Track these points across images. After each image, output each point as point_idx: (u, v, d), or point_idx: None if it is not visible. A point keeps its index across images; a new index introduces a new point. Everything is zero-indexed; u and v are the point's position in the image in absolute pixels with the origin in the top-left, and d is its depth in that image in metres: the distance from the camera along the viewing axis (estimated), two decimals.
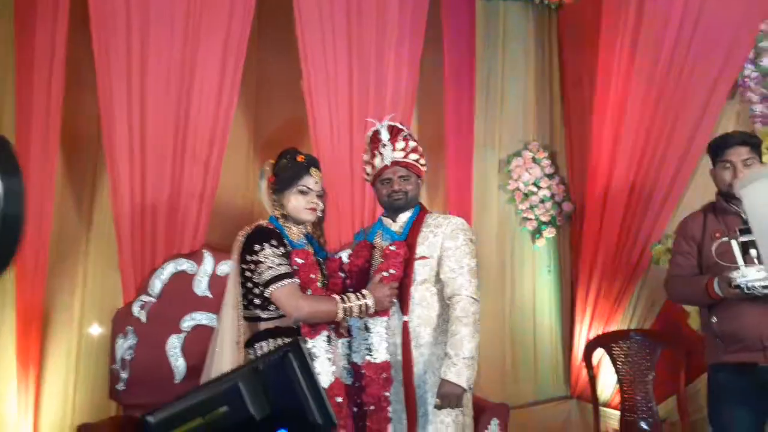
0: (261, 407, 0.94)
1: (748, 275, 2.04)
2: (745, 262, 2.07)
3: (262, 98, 3.34)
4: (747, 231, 2.09)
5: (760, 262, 2.01)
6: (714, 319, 2.29)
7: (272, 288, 1.91)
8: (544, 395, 3.79)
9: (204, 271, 2.89)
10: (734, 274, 2.09)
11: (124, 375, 2.75)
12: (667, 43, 3.24)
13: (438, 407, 2.02)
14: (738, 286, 2.08)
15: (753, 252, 2.05)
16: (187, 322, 2.84)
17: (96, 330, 2.91)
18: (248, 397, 0.94)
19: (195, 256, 2.89)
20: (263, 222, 2.06)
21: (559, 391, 3.84)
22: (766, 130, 2.96)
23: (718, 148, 2.36)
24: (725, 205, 2.36)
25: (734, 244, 2.08)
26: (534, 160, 3.93)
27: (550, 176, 3.95)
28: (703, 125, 3.16)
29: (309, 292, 1.96)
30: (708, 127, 3.14)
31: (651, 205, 3.32)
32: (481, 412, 2.56)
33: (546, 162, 3.95)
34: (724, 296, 2.18)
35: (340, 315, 1.95)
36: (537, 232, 3.93)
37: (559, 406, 3.76)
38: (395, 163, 2.23)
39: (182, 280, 2.86)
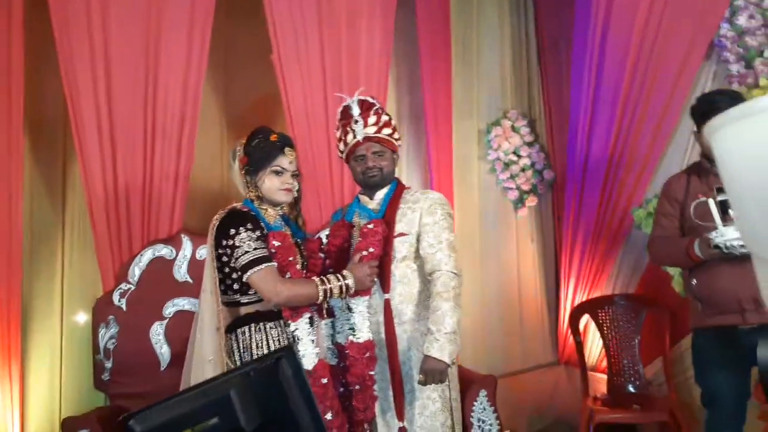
0: (252, 418, 0.91)
1: (726, 234, 2.03)
2: (724, 221, 2.05)
3: (232, 73, 3.26)
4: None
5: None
6: (694, 282, 2.30)
7: (250, 273, 1.87)
8: (532, 362, 3.82)
9: (183, 255, 2.85)
10: (713, 234, 2.08)
11: (108, 365, 2.73)
12: (643, 3, 3.19)
13: (422, 383, 2.02)
14: (717, 246, 2.07)
15: (732, 212, 2.03)
16: (169, 309, 2.82)
17: (78, 319, 2.88)
18: (239, 408, 0.90)
19: (173, 240, 2.85)
20: (237, 205, 2.01)
21: (547, 358, 3.87)
22: (744, 90, 2.94)
23: (703, 112, 2.30)
24: (709, 166, 2.32)
25: (711, 203, 2.06)
26: (513, 128, 3.89)
27: (530, 144, 3.92)
28: (680, 86, 3.13)
29: (288, 275, 1.93)
30: (685, 87, 3.12)
31: (631, 169, 3.31)
32: (469, 384, 2.57)
33: (525, 130, 3.91)
34: (704, 258, 2.18)
35: (321, 297, 1.92)
36: (519, 202, 3.92)
37: (547, 372, 3.80)
38: (368, 138, 2.19)
39: (161, 265, 2.82)
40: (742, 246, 2.00)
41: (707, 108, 2.28)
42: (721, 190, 2.09)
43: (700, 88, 3.09)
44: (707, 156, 2.33)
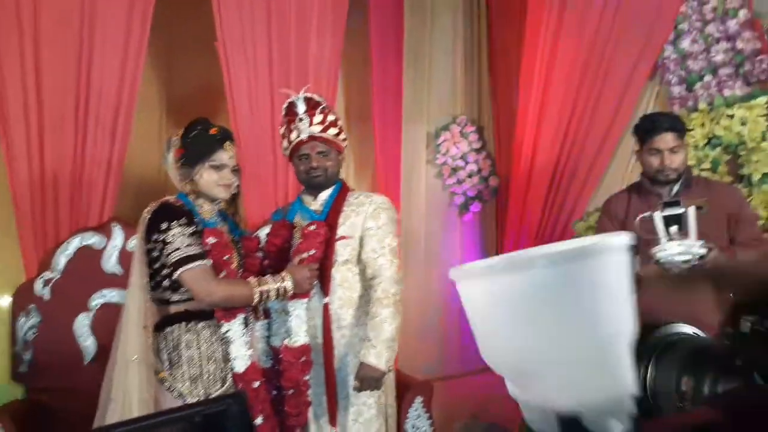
0: None
1: (669, 249, 2.04)
2: (668, 237, 2.06)
3: (174, 60, 3.15)
4: (671, 205, 2.10)
5: (680, 237, 2.04)
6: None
7: (181, 270, 1.79)
8: (471, 366, 3.84)
9: (113, 245, 2.74)
10: (655, 249, 2.09)
11: (27, 356, 2.61)
12: (591, 20, 3.25)
13: (357, 389, 1.99)
14: (658, 261, 2.10)
15: (673, 228, 2.07)
16: (96, 300, 2.70)
17: None
18: None
19: (103, 229, 2.73)
20: (170, 198, 1.92)
21: (483, 362, 3.89)
22: (684, 113, 3.03)
23: (645, 133, 2.35)
24: (650, 187, 2.37)
25: (657, 217, 2.07)
26: (462, 134, 3.91)
27: (477, 150, 3.94)
28: (624, 104, 3.22)
29: (223, 274, 1.86)
30: (629, 106, 3.20)
31: (574, 181, 3.37)
32: (406, 390, 2.56)
33: (473, 136, 3.93)
34: (641, 274, 2.22)
35: (257, 299, 1.86)
36: (464, 207, 3.93)
37: (484, 377, 3.81)
38: (312, 137, 2.13)
39: (89, 255, 2.70)
40: (684, 262, 2.03)
41: (650, 126, 2.34)
42: (666, 206, 2.11)
43: (644, 107, 3.18)
44: (648, 176, 2.38)
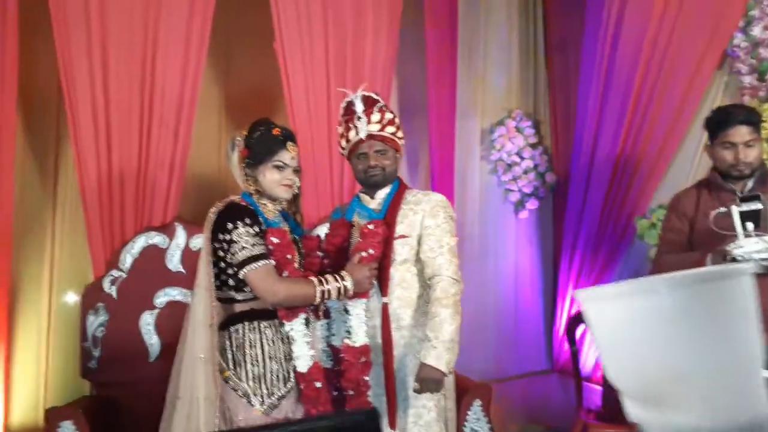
0: None
1: (746, 246, 1.94)
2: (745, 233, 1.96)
3: (234, 61, 3.20)
4: (749, 199, 2.00)
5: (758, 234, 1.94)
6: None
7: (246, 269, 1.82)
8: (525, 369, 3.79)
9: (176, 244, 2.80)
10: (731, 246, 1.98)
11: (95, 353, 2.68)
12: (656, 9, 3.13)
13: (417, 391, 1.97)
14: (734, 259, 2.00)
15: (750, 225, 1.97)
16: (161, 298, 2.77)
17: (67, 305, 2.83)
18: None
19: (167, 229, 2.80)
20: (236, 198, 1.95)
21: (540, 365, 3.84)
22: (756, 103, 2.89)
23: (718, 126, 2.24)
24: (721, 182, 2.26)
25: (735, 212, 1.96)
26: (517, 129, 3.84)
27: (533, 146, 3.87)
28: (691, 96, 3.08)
29: (285, 273, 1.88)
30: (696, 98, 3.07)
31: (636, 177, 3.26)
32: (464, 392, 2.52)
33: (529, 131, 3.86)
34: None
35: (318, 298, 1.87)
36: (520, 204, 3.87)
37: (540, 379, 3.77)
38: (371, 136, 2.12)
39: (154, 254, 2.77)
40: (763, 259, 1.93)
41: (723, 119, 2.24)
42: (743, 201, 2.01)
43: (711, 99, 3.05)
44: (720, 171, 2.27)
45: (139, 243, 2.74)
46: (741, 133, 2.18)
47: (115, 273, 2.71)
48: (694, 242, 2.31)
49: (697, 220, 2.28)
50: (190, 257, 2.76)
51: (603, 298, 0.79)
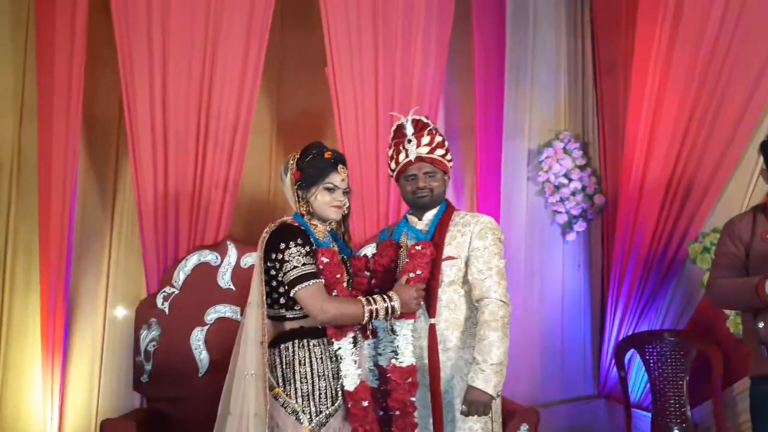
0: None
1: None
2: None
3: (286, 84, 3.28)
4: None
5: None
6: (761, 325, 2.15)
7: (297, 288, 1.85)
8: (571, 393, 3.71)
9: (228, 263, 2.87)
10: None
11: (147, 367, 2.76)
12: (710, 28, 3.09)
13: (464, 414, 1.96)
14: None
15: None
16: (211, 315, 2.83)
17: (121, 319, 2.91)
18: None
19: (219, 247, 2.87)
20: (288, 219, 1.99)
21: (587, 390, 3.76)
22: None
23: None
24: None
25: None
26: (565, 150, 3.81)
27: (581, 167, 3.83)
28: (746, 118, 3.02)
29: (335, 292, 1.91)
30: (752, 120, 3.00)
31: (688, 201, 3.19)
32: (511, 416, 2.49)
33: (577, 153, 3.83)
34: None
35: (366, 318, 1.89)
36: (567, 226, 3.82)
37: (586, 405, 3.68)
38: (420, 158, 2.14)
39: (206, 271, 2.84)
40: None
41: None
42: None
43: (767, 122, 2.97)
44: None
45: (192, 261, 2.82)
46: None
47: (168, 290, 2.79)
48: (750, 267, 2.24)
49: (753, 244, 2.22)
50: (240, 275, 2.83)
51: None
